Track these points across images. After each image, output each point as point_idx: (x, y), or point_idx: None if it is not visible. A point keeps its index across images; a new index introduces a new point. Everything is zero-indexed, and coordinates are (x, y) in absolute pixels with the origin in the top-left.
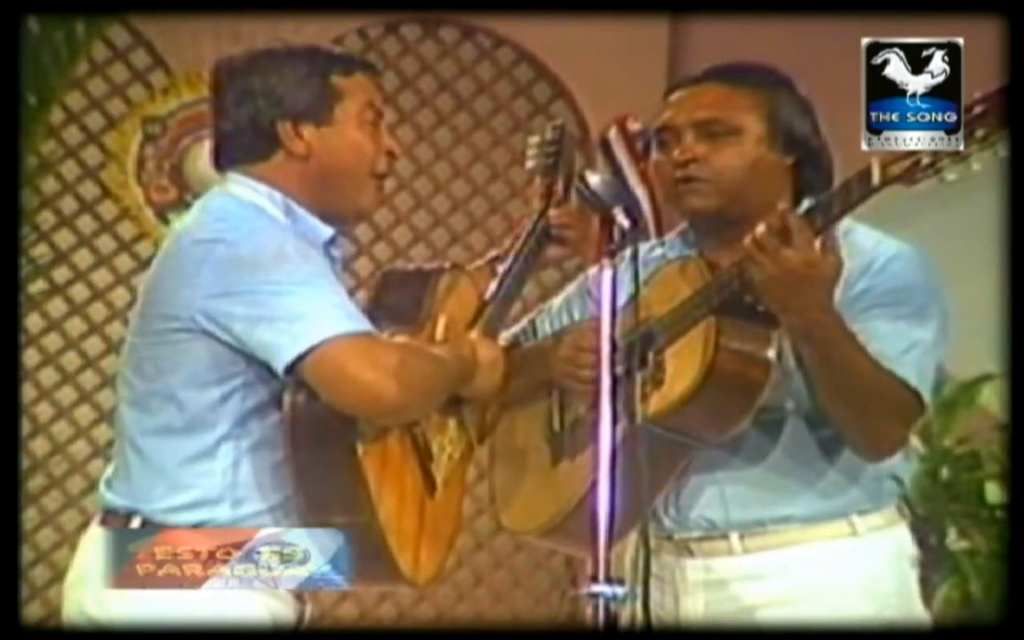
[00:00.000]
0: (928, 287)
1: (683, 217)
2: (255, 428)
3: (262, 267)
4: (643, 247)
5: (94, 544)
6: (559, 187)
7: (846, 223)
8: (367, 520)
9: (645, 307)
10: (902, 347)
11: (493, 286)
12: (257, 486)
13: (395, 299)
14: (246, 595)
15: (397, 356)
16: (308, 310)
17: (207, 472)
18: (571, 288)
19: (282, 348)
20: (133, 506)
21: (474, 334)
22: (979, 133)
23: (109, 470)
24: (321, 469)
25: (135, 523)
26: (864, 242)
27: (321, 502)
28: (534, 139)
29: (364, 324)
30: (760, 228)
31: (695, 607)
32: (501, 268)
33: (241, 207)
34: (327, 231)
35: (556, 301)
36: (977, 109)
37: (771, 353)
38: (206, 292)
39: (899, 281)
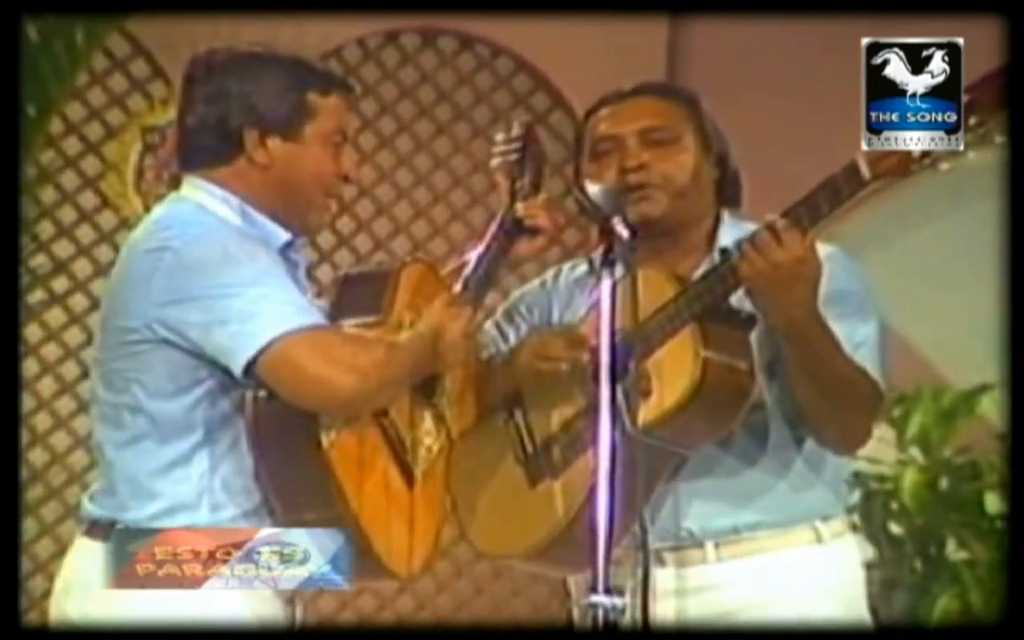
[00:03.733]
0: (863, 287)
1: (635, 222)
2: (228, 433)
3: (210, 271)
4: (566, 266)
5: (78, 555)
6: (525, 182)
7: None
8: (340, 515)
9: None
10: (853, 343)
11: (460, 281)
12: (234, 490)
13: (357, 297)
14: (231, 598)
15: (350, 347)
16: (258, 310)
17: (183, 479)
18: (532, 287)
19: (236, 351)
20: (114, 516)
21: (436, 304)
22: (972, 120)
23: (94, 485)
24: (287, 467)
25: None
26: None
27: (292, 500)
28: (500, 137)
29: (315, 318)
30: (758, 229)
31: (666, 614)
32: (470, 262)
33: (190, 212)
34: (284, 235)
35: (522, 305)
36: (966, 97)
37: (755, 359)
38: (159, 301)
39: (838, 282)
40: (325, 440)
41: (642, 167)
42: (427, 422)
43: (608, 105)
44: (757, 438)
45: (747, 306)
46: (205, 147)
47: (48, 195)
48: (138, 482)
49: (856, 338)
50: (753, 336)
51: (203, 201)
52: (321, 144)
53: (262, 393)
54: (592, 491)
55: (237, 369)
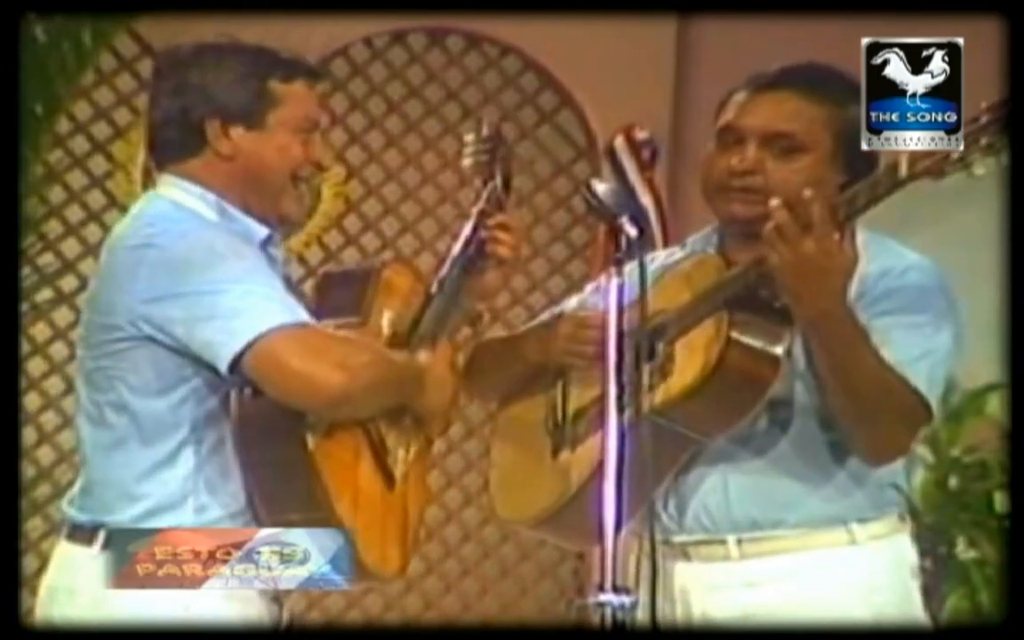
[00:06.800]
0: (945, 299)
1: (719, 219)
2: (214, 433)
3: (195, 268)
4: (663, 253)
5: (61, 561)
6: (498, 182)
7: (864, 235)
8: (325, 516)
9: (657, 301)
10: (916, 354)
11: (436, 279)
12: (219, 491)
13: (337, 297)
14: (216, 600)
15: (338, 346)
16: (244, 306)
17: (168, 480)
18: (588, 290)
19: (222, 346)
20: (98, 520)
21: (425, 354)
22: (983, 141)
23: (74, 489)
24: (273, 467)
25: (100, 537)
26: (883, 250)
27: (277, 500)
28: (469, 137)
29: (302, 316)
30: (784, 215)
31: (691, 612)
32: (448, 259)
33: (171, 209)
34: (262, 231)
35: (570, 303)
36: (985, 117)
37: (781, 350)
38: (143, 298)
39: (917, 289)
40: (311, 441)
41: (753, 172)
42: (407, 423)
43: (748, 89)
44: (782, 435)
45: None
46: (172, 141)
47: (56, 194)
48: (123, 484)
49: (920, 349)
50: (798, 331)
51: (179, 198)
52: (287, 132)
53: (248, 391)
54: (597, 470)
55: (223, 366)
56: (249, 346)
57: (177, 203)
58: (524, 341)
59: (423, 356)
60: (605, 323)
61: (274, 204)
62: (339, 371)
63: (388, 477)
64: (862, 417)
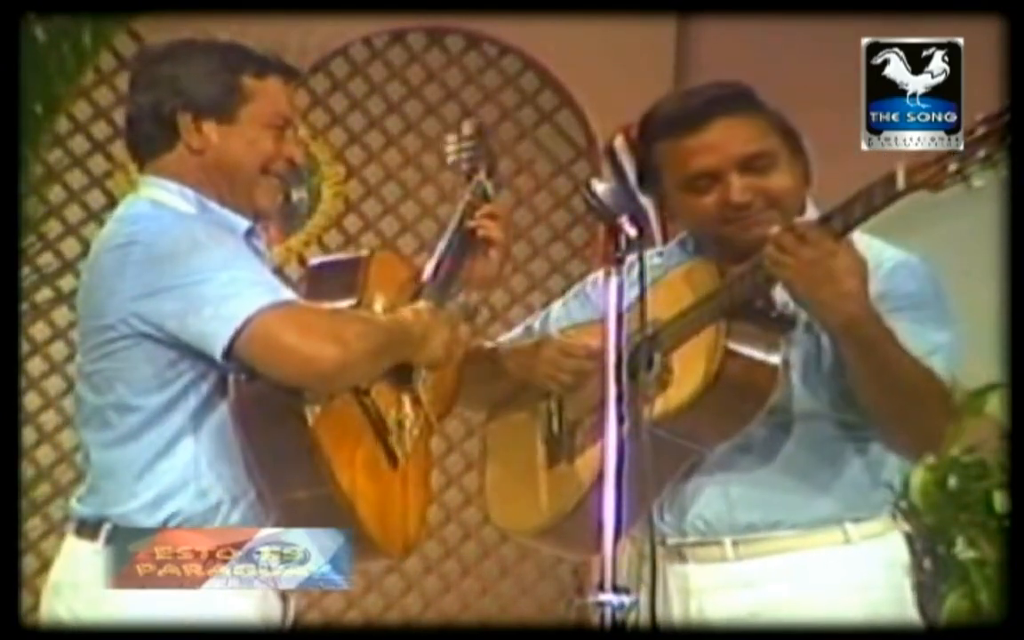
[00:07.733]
0: (940, 294)
1: (736, 247)
2: (213, 419)
3: (180, 260)
4: (646, 254)
5: (67, 556)
6: (482, 175)
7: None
8: (330, 492)
9: (651, 310)
10: (926, 349)
11: (429, 268)
12: (221, 476)
13: (328, 285)
14: (227, 595)
15: (329, 319)
16: (232, 292)
17: (170, 469)
18: (570, 294)
19: (215, 334)
20: (102, 513)
21: (419, 303)
22: (981, 153)
23: (82, 489)
24: (275, 446)
25: (104, 532)
26: (865, 249)
27: (281, 480)
28: (452, 137)
29: (289, 295)
30: (775, 229)
31: (686, 613)
32: (438, 249)
33: (152, 208)
34: (244, 222)
35: (555, 307)
36: (982, 129)
37: (778, 359)
38: (132, 295)
39: (912, 286)
40: (310, 416)
41: (753, 199)
42: (406, 405)
43: (678, 133)
44: (781, 442)
45: (789, 308)
46: (147, 136)
47: (55, 194)
48: (126, 477)
49: (930, 345)
50: (796, 338)
51: (159, 197)
52: (258, 126)
53: (243, 376)
54: (598, 481)
55: (217, 353)
56: (241, 329)
57: (157, 202)
58: (507, 358)
59: (408, 312)
60: (587, 350)
61: (247, 197)
62: (333, 344)
63: (391, 456)
64: (907, 413)
